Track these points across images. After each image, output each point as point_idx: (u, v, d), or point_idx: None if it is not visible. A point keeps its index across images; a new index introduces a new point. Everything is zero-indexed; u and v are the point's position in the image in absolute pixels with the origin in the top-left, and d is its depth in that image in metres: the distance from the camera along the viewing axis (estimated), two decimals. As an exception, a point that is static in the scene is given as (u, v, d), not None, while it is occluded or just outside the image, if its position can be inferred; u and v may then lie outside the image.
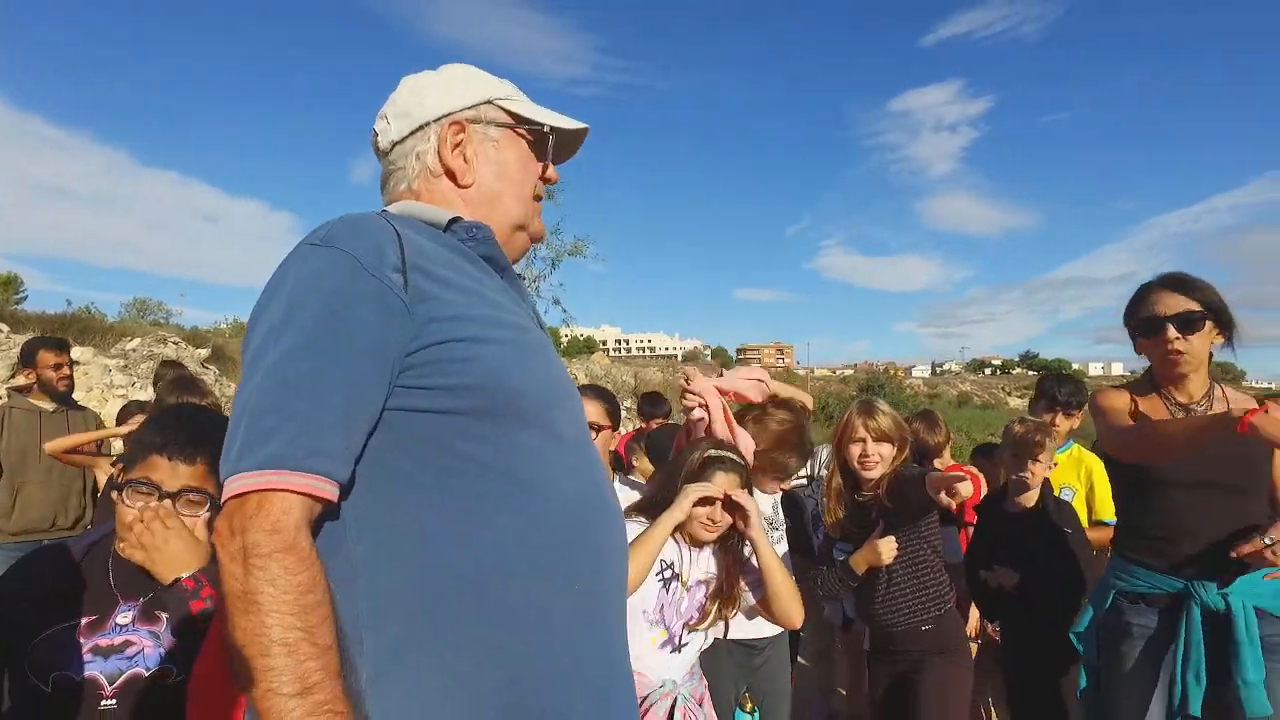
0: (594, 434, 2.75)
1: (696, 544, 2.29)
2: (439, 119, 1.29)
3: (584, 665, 1.09)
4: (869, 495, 2.76)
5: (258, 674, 0.89)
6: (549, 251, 14.01)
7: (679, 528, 2.24)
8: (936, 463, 3.99)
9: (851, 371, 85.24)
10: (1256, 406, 1.96)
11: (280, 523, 0.92)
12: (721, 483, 2.24)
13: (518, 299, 1.25)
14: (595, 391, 3.00)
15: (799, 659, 3.70)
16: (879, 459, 2.71)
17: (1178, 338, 2.18)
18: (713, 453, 2.29)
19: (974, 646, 3.56)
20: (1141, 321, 2.29)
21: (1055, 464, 3.24)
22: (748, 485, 2.31)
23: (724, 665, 2.51)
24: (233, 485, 0.94)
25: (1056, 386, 3.76)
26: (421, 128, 1.29)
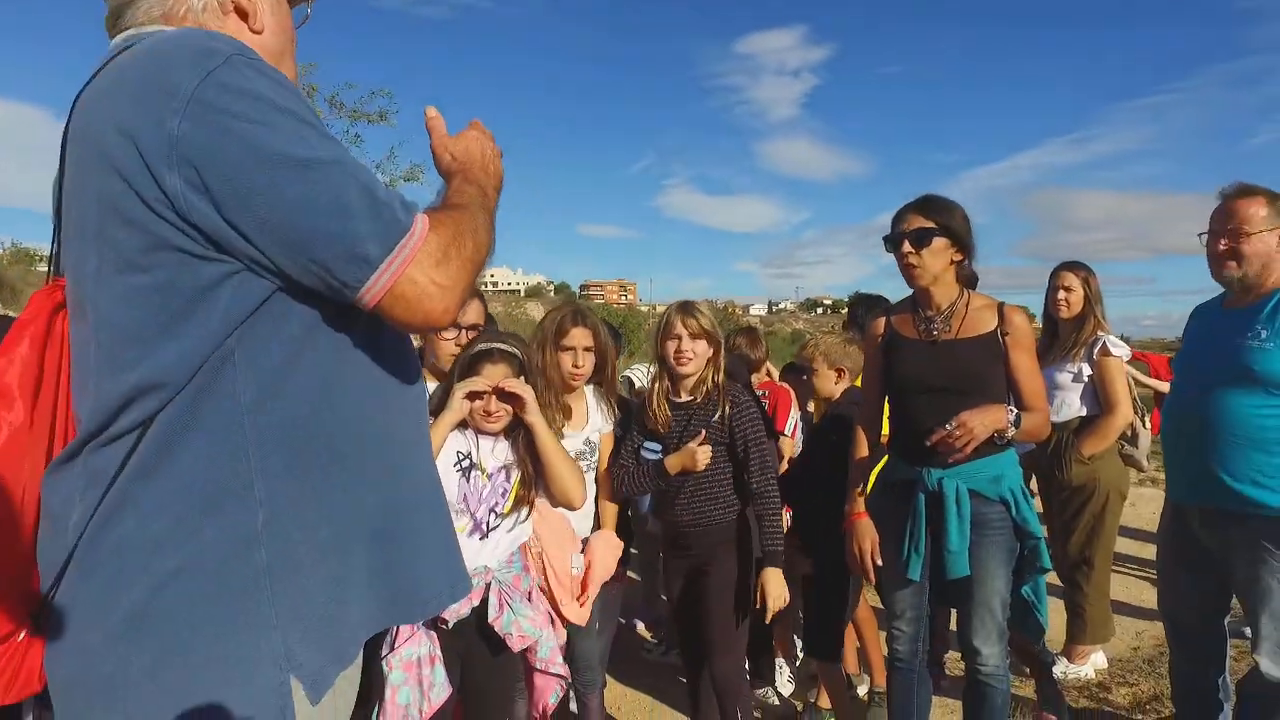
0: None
1: (488, 434, 2.39)
2: None
3: (433, 493, 1.23)
4: (689, 399, 2.89)
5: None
6: (384, 177, 13.21)
7: (468, 423, 2.36)
8: (754, 378, 4.17)
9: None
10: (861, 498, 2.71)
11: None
12: (490, 374, 2.33)
13: None
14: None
15: (628, 573, 3.90)
16: (693, 355, 2.82)
17: (910, 251, 2.49)
18: (481, 347, 2.38)
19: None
20: (887, 238, 2.60)
21: (843, 373, 3.51)
22: (523, 372, 2.39)
23: None
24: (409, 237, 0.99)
25: (863, 311, 3.90)
26: None
